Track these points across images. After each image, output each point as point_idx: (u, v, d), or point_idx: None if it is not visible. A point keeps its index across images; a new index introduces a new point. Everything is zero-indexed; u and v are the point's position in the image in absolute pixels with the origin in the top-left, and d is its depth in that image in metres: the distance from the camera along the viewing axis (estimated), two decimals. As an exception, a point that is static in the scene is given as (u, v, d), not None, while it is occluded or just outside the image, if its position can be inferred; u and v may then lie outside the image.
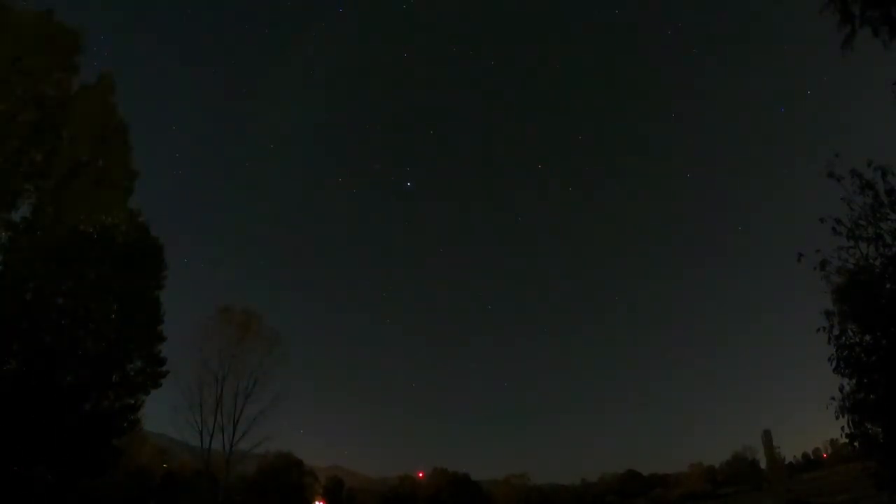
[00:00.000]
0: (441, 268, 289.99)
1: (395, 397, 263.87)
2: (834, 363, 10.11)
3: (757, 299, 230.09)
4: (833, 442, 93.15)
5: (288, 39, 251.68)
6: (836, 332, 10.18)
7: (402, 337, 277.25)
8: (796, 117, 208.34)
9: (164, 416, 36.32)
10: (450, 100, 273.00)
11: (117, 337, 16.54)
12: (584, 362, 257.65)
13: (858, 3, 8.55)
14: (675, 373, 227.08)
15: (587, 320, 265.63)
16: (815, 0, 9.05)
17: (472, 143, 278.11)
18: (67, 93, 16.17)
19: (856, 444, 10.43)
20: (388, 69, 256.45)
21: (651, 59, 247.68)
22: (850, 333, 10.11)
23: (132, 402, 17.14)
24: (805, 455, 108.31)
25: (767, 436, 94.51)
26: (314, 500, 65.69)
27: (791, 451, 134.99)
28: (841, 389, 10.16)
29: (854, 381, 9.99)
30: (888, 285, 9.77)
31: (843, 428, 10.18)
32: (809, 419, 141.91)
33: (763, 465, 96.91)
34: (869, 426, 10.08)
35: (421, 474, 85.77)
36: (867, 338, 9.95)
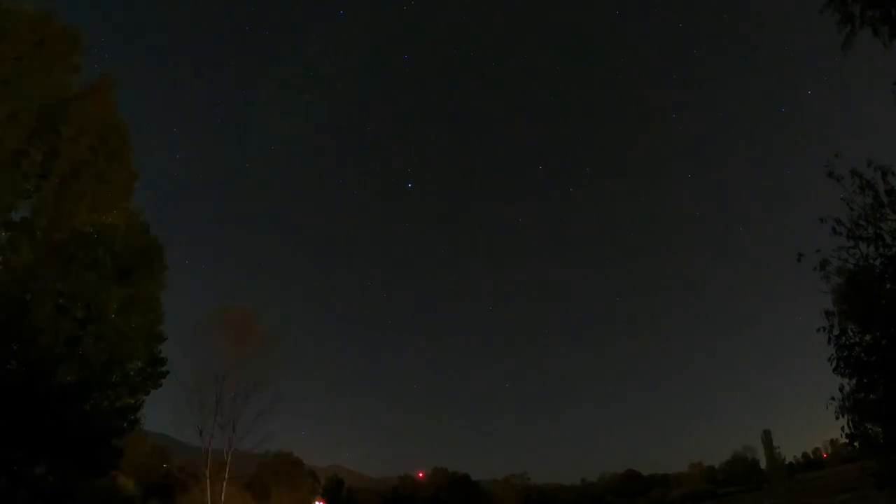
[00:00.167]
0: (441, 268, 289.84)
1: (395, 397, 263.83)
2: (834, 363, 10.12)
3: (757, 299, 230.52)
4: (833, 442, 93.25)
5: (289, 41, 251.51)
6: (836, 332, 10.20)
7: (402, 337, 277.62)
8: (796, 117, 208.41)
9: (164, 416, 36.28)
10: (450, 101, 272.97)
11: (117, 337, 16.53)
12: (584, 362, 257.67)
13: (858, 3, 8.57)
14: (675, 373, 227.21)
15: (587, 320, 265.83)
16: (816, 0, 9.07)
17: (473, 145, 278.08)
18: (67, 93, 16.16)
19: (856, 444, 10.46)
20: (389, 71, 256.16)
21: (651, 60, 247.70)
22: (850, 333, 10.13)
23: (132, 402, 17.12)
24: (805, 455, 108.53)
25: (767, 436, 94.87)
26: (314, 501, 65.65)
27: (791, 451, 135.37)
28: (841, 389, 10.19)
29: (854, 381, 10.01)
30: (888, 285, 9.78)
31: (843, 428, 10.21)
32: (809, 419, 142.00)
33: (763, 465, 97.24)
34: (869, 426, 10.10)
35: (421, 474, 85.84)
36: (867, 338, 9.96)
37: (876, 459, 10.25)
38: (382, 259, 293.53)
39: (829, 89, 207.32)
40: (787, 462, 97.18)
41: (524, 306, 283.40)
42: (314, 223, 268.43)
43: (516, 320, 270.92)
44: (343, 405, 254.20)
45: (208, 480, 35.83)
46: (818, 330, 10.37)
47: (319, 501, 67.13)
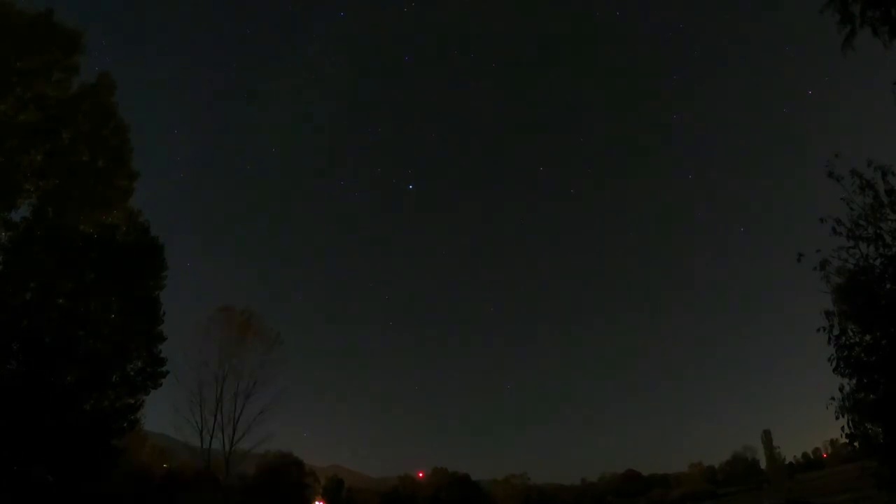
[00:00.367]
0: (442, 269, 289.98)
1: (395, 397, 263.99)
2: (834, 363, 10.11)
3: (757, 299, 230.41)
4: (833, 442, 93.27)
5: (290, 42, 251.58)
6: (836, 332, 10.19)
7: (402, 337, 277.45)
8: (797, 117, 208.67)
9: (164, 416, 36.38)
10: (451, 103, 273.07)
11: (117, 337, 16.52)
12: (584, 362, 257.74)
13: (858, 3, 8.57)
14: (675, 373, 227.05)
15: (587, 320, 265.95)
16: (816, 0, 9.07)
17: (474, 146, 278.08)
18: (67, 93, 16.16)
19: (856, 444, 10.43)
20: (390, 72, 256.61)
21: (651, 60, 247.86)
22: (850, 333, 10.11)
23: (132, 402, 17.10)
24: (805, 455, 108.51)
25: (767, 436, 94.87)
26: (314, 500, 65.62)
27: (791, 451, 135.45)
28: (841, 389, 10.17)
29: (854, 381, 9.99)
30: (888, 285, 9.77)
31: (843, 428, 10.19)
32: (809, 419, 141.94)
33: (763, 465, 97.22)
34: (869, 426, 10.08)
35: (421, 474, 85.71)
36: (867, 338, 9.95)
37: (876, 459, 10.23)
38: (382, 259, 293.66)
39: (829, 89, 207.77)
40: (787, 462, 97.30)
41: (524, 306, 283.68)
42: (314, 223, 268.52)
43: (516, 320, 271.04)
44: (343, 405, 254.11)
45: (208, 480, 35.92)
46: (818, 330, 10.36)
47: (319, 501, 67.12)
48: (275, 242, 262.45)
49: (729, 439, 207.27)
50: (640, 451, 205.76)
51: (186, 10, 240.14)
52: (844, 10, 8.73)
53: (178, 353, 33.27)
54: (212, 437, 36.64)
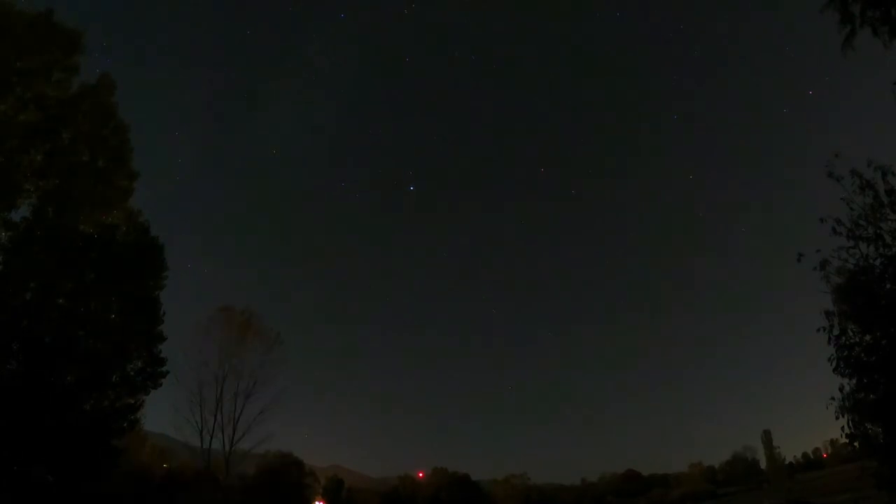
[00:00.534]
0: (442, 269, 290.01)
1: (395, 397, 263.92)
2: (834, 363, 10.10)
3: (757, 299, 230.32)
4: (833, 442, 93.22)
5: (290, 43, 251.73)
6: (836, 332, 10.18)
7: (402, 337, 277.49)
8: (797, 117, 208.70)
9: (164, 416, 36.38)
10: (452, 104, 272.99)
11: (117, 337, 16.52)
12: (584, 362, 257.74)
13: (858, 3, 8.57)
14: (675, 373, 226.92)
15: (587, 320, 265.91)
16: (816, 0, 9.07)
17: (475, 147, 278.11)
18: (67, 93, 16.16)
19: (856, 444, 10.42)
20: (391, 73, 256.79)
21: (652, 60, 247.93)
22: (850, 333, 10.10)
23: (132, 402, 17.10)
24: (805, 455, 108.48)
25: (767, 436, 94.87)
26: (314, 500, 65.62)
27: (791, 451, 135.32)
28: (841, 389, 10.16)
29: (854, 381, 9.99)
30: (888, 285, 9.77)
31: (843, 428, 10.18)
32: (809, 419, 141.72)
33: (763, 465, 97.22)
34: (869, 426, 10.07)
35: (421, 474, 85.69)
36: (867, 338, 9.94)
37: (876, 459, 10.23)
38: (382, 259, 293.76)
39: (829, 89, 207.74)
40: (787, 462, 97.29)
41: (524, 306, 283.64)
42: (314, 223, 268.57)
43: (516, 320, 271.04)
44: (343, 405, 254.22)
45: (208, 480, 35.91)
46: (818, 330, 10.35)
47: (319, 501, 67.12)
48: (275, 242, 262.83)
49: (729, 439, 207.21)
50: (640, 451, 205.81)
51: (186, 10, 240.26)
52: (844, 10, 8.73)
53: (178, 353, 33.32)
54: (212, 437, 36.67)
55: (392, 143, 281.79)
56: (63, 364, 15.36)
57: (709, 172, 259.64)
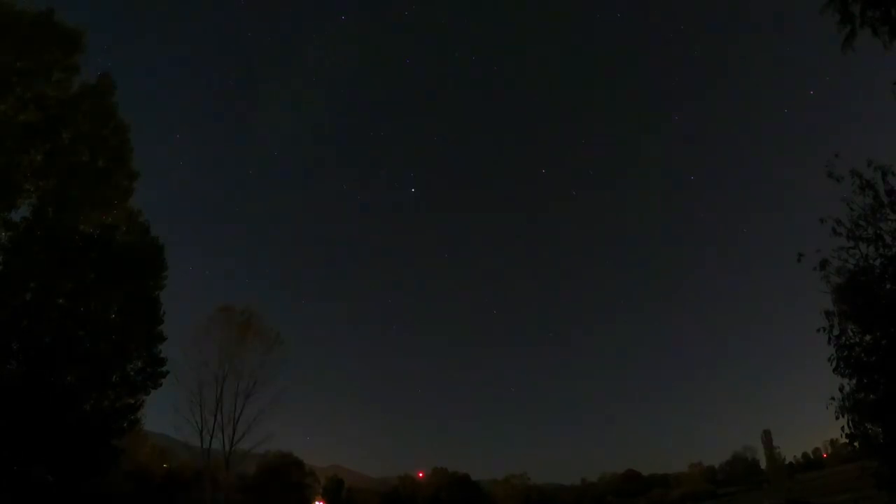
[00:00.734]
0: (443, 271, 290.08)
1: (395, 397, 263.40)
2: (834, 363, 10.12)
3: (757, 299, 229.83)
4: (833, 442, 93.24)
5: (291, 44, 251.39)
6: (836, 332, 10.19)
7: (403, 338, 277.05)
8: (797, 117, 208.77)
9: (164, 416, 36.36)
10: (453, 105, 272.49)
11: (117, 337, 16.53)
12: (584, 362, 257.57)
13: (858, 3, 8.56)
14: (675, 373, 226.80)
15: (587, 320, 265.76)
16: (816, 0, 9.06)
17: (476, 149, 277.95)
18: (67, 93, 16.16)
19: (856, 444, 10.43)
20: (391, 74, 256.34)
21: (652, 61, 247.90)
22: (850, 333, 10.12)
23: (132, 402, 17.11)
24: (805, 455, 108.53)
25: (767, 436, 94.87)
26: (314, 500, 65.67)
27: (791, 451, 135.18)
28: (841, 389, 10.17)
29: (854, 381, 10.00)
30: (888, 285, 9.78)
31: (843, 428, 10.19)
32: (809, 419, 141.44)
33: (763, 465, 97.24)
34: (869, 426, 10.08)
35: (421, 474, 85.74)
36: (867, 338, 9.96)
37: (876, 459, 10.24)
38: (383, 259, 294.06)
39: (829, 89, 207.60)
40: (787, 462, 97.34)
41: (524, 307, 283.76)
42: (315, 224, 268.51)
43: (516, 320, 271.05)
44: (343, 405, 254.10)
45: (208, 480, 35.93)
46: (818, 330, 10.37)
47: (319, 501, 67.17)
48: (275, 242, 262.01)
49: (729, 439, 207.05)
50: (640, 451, 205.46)
51: (186, 10, 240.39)
52: (844, 10, 8.72)
53: (178, 353, 33.36)
54: (212, 437, 36.64)
55: (393, 145, 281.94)
56: (63, 364, 15.37)
57: (709, 172, 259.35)
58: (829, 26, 8.96)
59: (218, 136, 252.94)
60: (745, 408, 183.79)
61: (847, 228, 10.10)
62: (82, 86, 16.58)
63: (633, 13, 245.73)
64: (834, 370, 10.13)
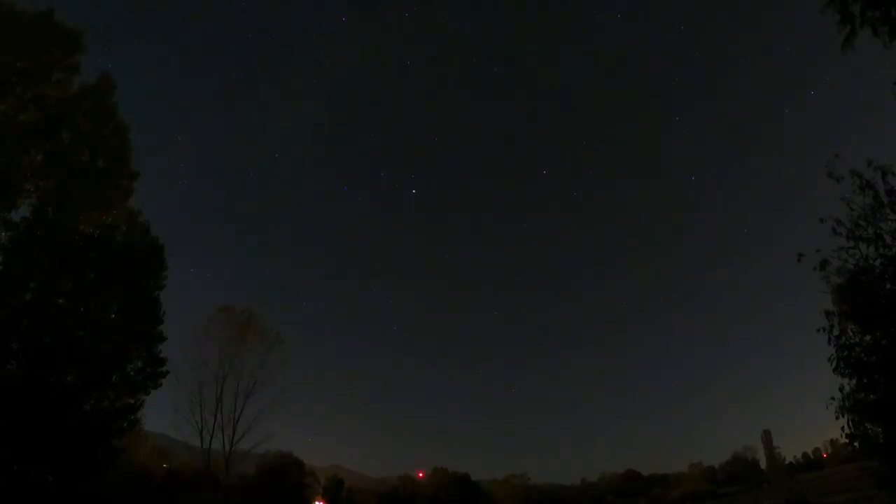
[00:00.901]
0: (443, 271, 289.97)
1: (395, 397, 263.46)
2: (834, 363, 10.11)
3: (757, 299, 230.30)
4: (833, 442, 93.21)
5: (291, 45, 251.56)
6: (836, 332, 10.19)
7: (403, 338, 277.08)
8: (797, 117, 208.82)
9: (164, 416, 36.37)
10: (454, 107, 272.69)
11: (117, 337, 16.52)
12: (584, 362, 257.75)
13: (858, 3, 8.57)
14: (675, 373, 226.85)
15: (587, 320, 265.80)
16: (816, 0, 9.07)
17: (477, 151, 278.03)
18: (67, 93, 16.16)
19: (856, 444, 10.43)
20: (392, 76, 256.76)
21: (652, 61, 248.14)
22: (850, 333, 10.12)
23: (132, 402, 17.10)
24: (805, 455, 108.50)
25: (767, 436, 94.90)
26: (314, 500, 65.62)
27: (791, 451, 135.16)
28: (841, 389, 10.17)
29: (854, 381, 10.00)
30: (888, 285, 9.78)
31: (843, 428, 10.19)
32: (809, 419, 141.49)
33: (763, 465, 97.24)
34: (869, 426, 10.08)
35: (421, 474, 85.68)
36: (867, 338, 9.95)
37: (876, 459, 10.23)
38: (384, 260, 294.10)
39: (829, 89, 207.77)
40: (787, 462, 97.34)
41: (525, 307, 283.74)
42: (315, 224, 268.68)
43: (516, 320, 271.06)
44: (343, 405, 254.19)
45: (208, 480, 35.91)
46: (818, 330, 10.37)
47: (319, 501, 67.11)
48: (275, 242, 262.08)
49: (729, 439, 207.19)
50: (640, 451, 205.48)
51: (187, 10, 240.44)
52: (844, 10, 8.73)
53: (178, 353, 33.38)
54: (212, 437, 36.69)
55: (394, 146, 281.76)
56: (63, 364, 15.37)
57: (709, 172, 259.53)
58: (829, 26, 8.98)
59: (218, 136, 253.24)
60: (745, 408, 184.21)
61: (847, 228, 10.10)
62: (82, 86, 16.59)
63: (633, 13, 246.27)
64: (834, 370, 10.13)
